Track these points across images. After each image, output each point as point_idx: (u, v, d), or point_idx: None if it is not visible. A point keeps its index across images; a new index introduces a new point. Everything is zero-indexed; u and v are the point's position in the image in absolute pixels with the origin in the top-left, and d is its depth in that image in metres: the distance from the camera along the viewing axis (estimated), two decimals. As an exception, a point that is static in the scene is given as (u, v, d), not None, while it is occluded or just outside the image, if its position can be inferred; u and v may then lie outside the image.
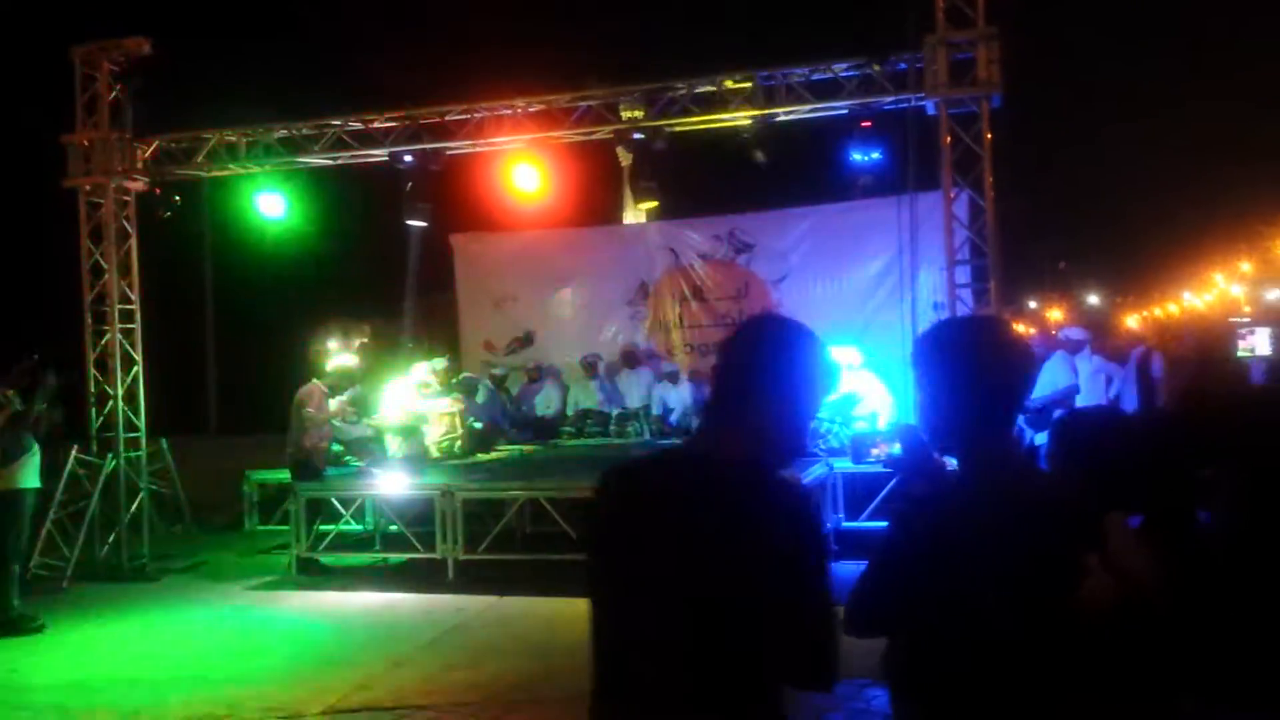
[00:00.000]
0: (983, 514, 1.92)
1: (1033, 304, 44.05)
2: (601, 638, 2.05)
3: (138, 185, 10.63)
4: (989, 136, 8.56)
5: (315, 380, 9.93)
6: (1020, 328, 16.21)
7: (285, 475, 10.01)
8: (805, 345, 2.13)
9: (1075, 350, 10.25)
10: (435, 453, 10.76)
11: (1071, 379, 9.77)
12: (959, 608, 2.03)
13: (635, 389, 12.60)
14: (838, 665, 1.95)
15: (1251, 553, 2.97)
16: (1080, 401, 9.34)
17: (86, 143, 10.43)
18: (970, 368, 2.21)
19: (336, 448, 10.36)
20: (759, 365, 2.08)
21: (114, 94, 10.43)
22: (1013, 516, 1.98)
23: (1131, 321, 34.33)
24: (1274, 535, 2.97)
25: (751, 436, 2.06)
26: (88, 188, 10.49)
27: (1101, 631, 1.85)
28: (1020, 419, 10.44)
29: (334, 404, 10.00)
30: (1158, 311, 50.50)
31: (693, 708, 1.92)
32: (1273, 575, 2.91)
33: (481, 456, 10.98)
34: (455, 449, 10.92)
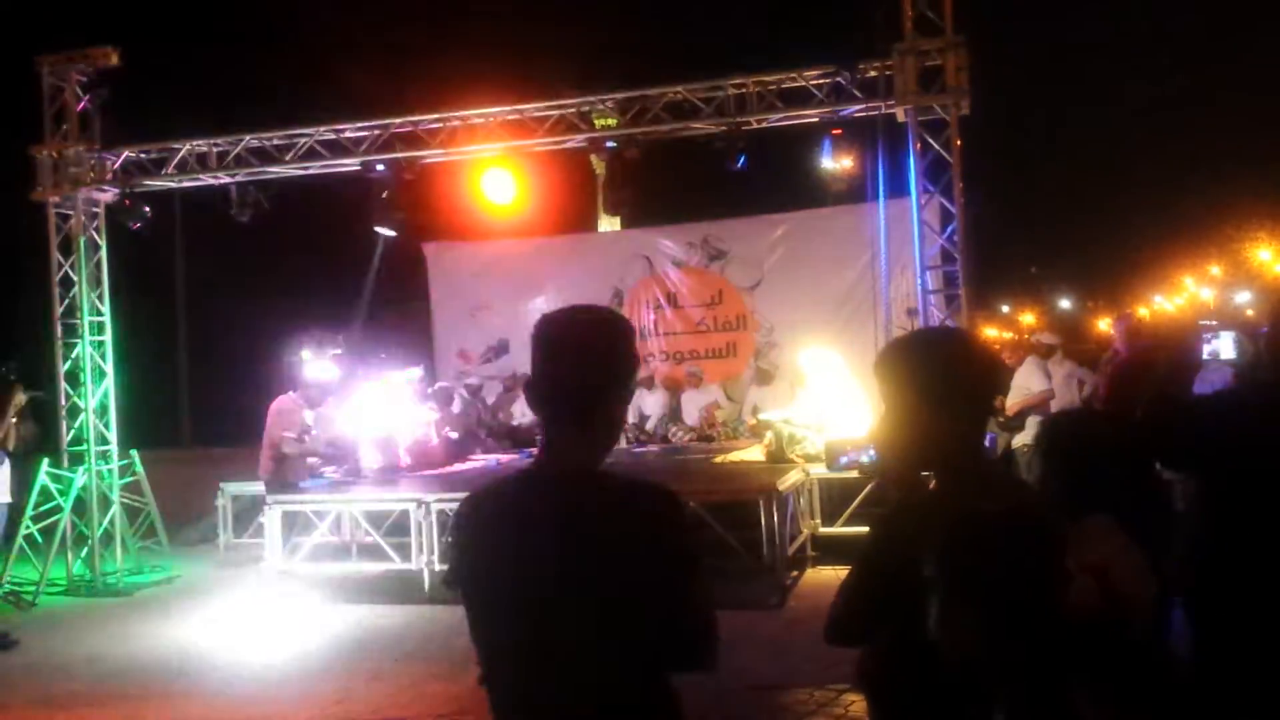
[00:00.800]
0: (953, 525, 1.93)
1: (1005, 308, 44.44)
2: (484, 654, 2.07)
3: (107, 196, 10.56)
4: (958, 143, 8.65)
5: (290, 394, 9.84)
6: (992, 332, 16.36)
7: (260, 488, 9.94)
8: (620, 333, 2.13)
9: (1047, 355, 10.35)
10: (411, 463, 10.73)
11: (1045, 384, 9.86)
12: (929, 620, 2.05)
13: (610, 397, 12.60)
14: (716, 645, 2.02)
15: (1221, 556, 3.01)
16: (1054, 406, 9.43)
17: (54, 154, 10.35)
18: (935, 380, 2.19)
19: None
20: (588, 366, 2.05)
21: (82, 105, 10.36)
22: (980, 529, 2.00)
23: (1103, 325, 34.66)
24: (1240, 537, 3.00)
25: (591, 442, 2.07)
26: (56, 199, 10.40)
27: (1090, 635, 1.87)
28: (994, 425, 10.57)
29: (309, 417, 9.93)
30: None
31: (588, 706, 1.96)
32: (1241, 575, 2.96)
33: (458, 466, 10.96)
34: (431, 458, 10.89)
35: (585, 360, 2.04)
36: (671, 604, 1.97)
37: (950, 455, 2.21)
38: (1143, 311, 49.61)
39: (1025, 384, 10.04)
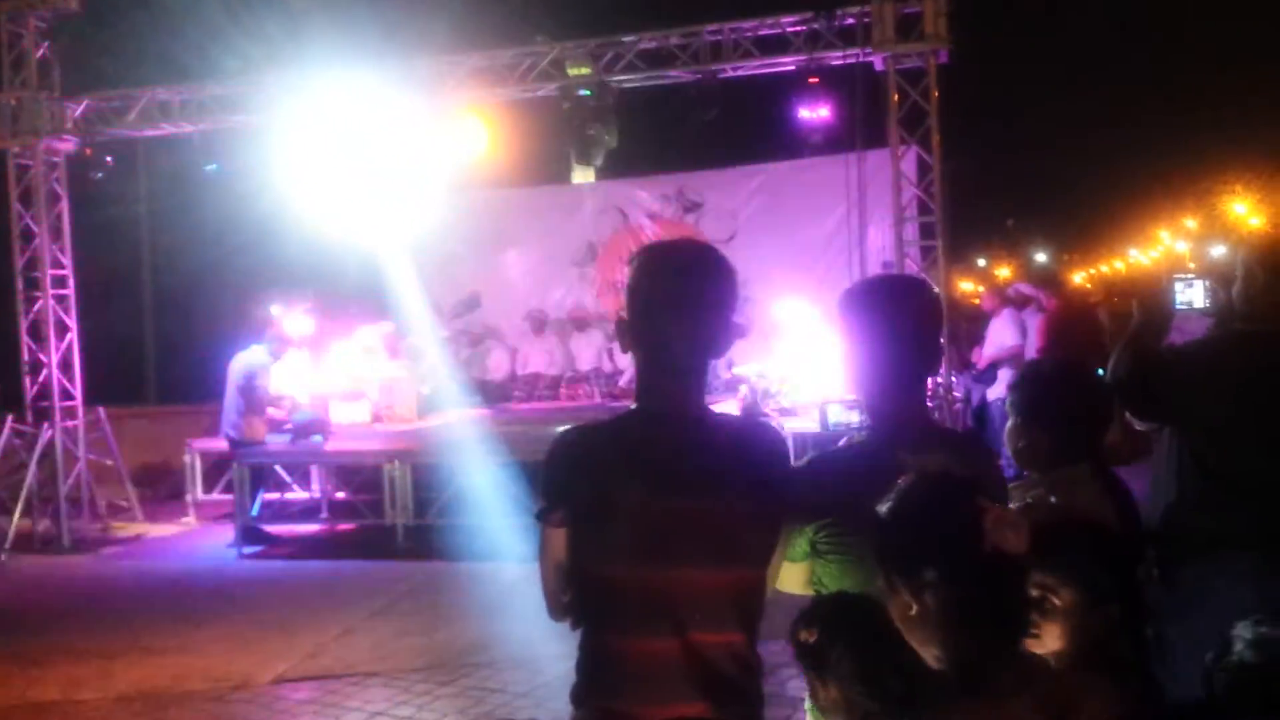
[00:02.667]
0: (880, 474, 1.90)
1: (981, 261, 44.57)
2: (594, 588, 2.01)
3: (67, 146, 10.31)
4: (936, 93, 8.55)
5: (256, 347, 9.63)
6: (968, 285, 16.38)
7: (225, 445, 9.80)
8: (726, 269, 2.06)
9: (1022, 306, 10.34)
10: (382, 417, 10.61)
11: (1018, 338, 9.85)
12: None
13: (586, 351, 12.52)
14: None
15: (1189, 509, 3.00)
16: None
17: (14, 102, 10.07)
18: (880, 327, 2.22)
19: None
20: (700, 306, 2.00)
21: (41, 52, 10.08)
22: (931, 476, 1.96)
23: (1079, 278, 34.86)
24: (1213, 488, 2.99)
25: (699, 386, 2.04)
26: (15, 149, 10.14)
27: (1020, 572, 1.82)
28: (969, 377, 10.56)
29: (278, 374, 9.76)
30: (1104, 268, 51.34)
31: (694, 638, 1.94)
32: (1210, 529, 2.94)
33: (430, 421, 10.85)
34: (404, 413, 10.77)
35: (703, 295, 2.00)
36: (775, 538, 2.05)
37: (886, 399, 2.22)
38: (1118, 265, 49.93)
39: (999, 337, 10.04)
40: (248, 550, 9.18)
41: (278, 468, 9.84)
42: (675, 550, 1.93)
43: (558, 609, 2.06)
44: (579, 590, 2.02)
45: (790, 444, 9.95)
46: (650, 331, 2.00)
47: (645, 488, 1.94)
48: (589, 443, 2.05)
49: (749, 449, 2.03)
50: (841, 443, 2.50)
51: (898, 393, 2.23)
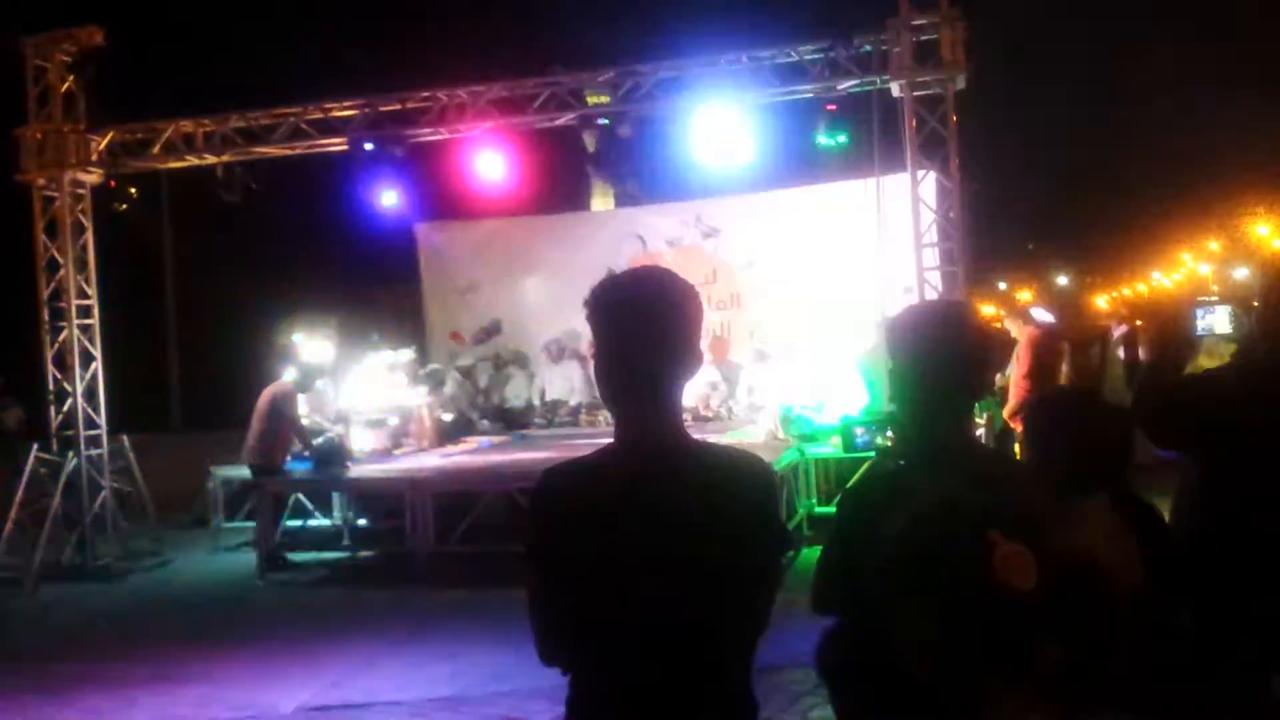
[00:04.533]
0: (930, 502, 1.89)
1: (1002, 285, 44.38)
2: (578, 634, 1.96)
3: (93, 178, 10.45)
4: (954, 119, 8.56)
5: (284, 379, 9.73)
6: (989, 309, 16.31)
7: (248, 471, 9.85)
8: (692, 293, 1.99)
9: None
10: (403, 444, 10.66)
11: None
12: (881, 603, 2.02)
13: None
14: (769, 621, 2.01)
15: (1211, 540, 2.95)
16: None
17: (39, 136, 10.21)
18: (925, 354, 2.22)
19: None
20: (667, 335, 1.93)
21: (66, 85, 10.22)
22: (960, 509, 1.95)
23: (1101, 301, 34.62)
24: (1234, 521, 2.94)
25: (674, 412, 1.98)
26: (41, 181, 10.27)
27: (1030, 610, 1.81)
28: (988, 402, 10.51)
29: (301, 403, 9.84)
30: (1126, 291, 50.97)
31: (688, 685, 1.89)
32: (1232, 561, 2.89)
33: (450, 448, 10.89)
34: (425, 440, 10.81)
35: (674, 329, 1.94)
36: (771, 576, 1.99)
37: (931, 425, 2.22)
38: (1140, 288, 49.58)
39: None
40: (270, 577, 9.20)
41: (300, 495, 9.87)
42: (660, 591, 1.86)
43: (548, 652, 1.99)
44: (563, 634, 1.96)
45: (812, 469, 9.91)
46: (617, 368, 1.95)
47: (626, 528, 1.88)
48: (569, 484, 1.98)
49: (733, 482, 1.96)
50: (877, 468, 2.46)
51: (946, 418, 2.23)
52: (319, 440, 9.67)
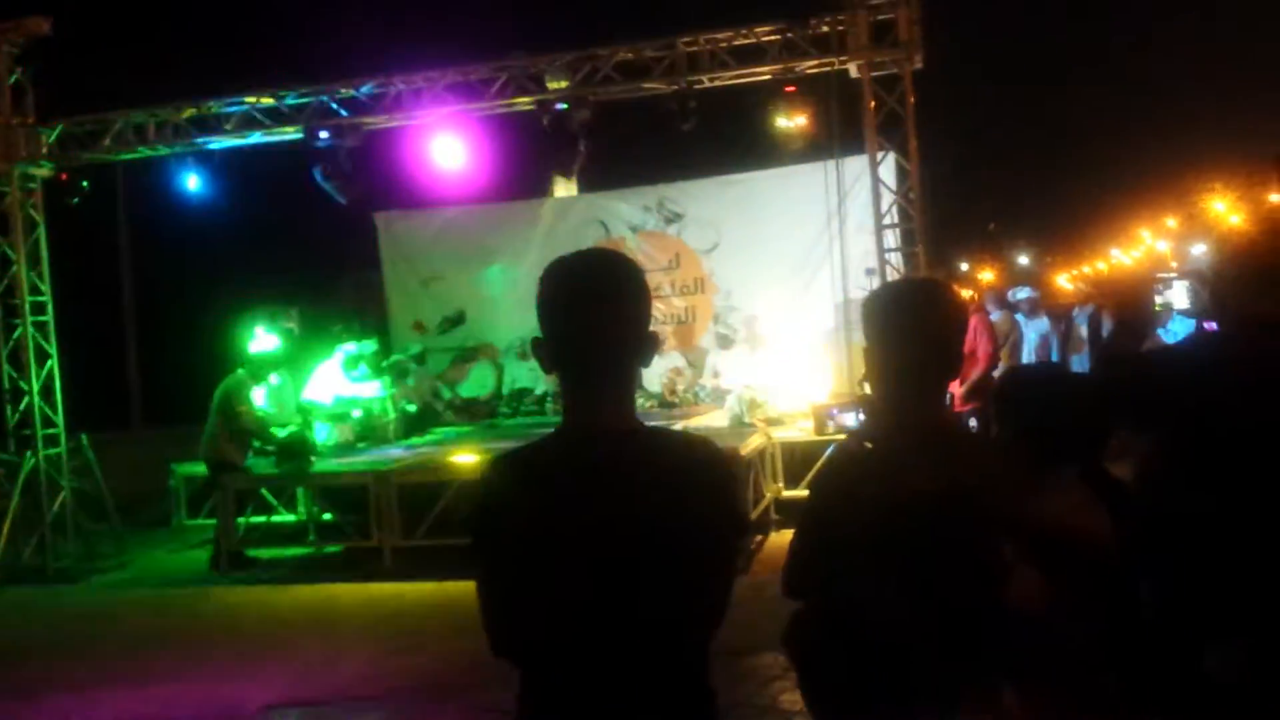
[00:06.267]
0: (901, 483, 1.88)
1: (964, 266, 44.68)
2: (523, 621, 1.91)
3: (44, 171, 10.25)
4: (912, 99, 8.57)
5: (239, 372, 9.60)
6: (966, 292, 16.45)
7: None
8: (640, 276, 1.95)
9: (1032, 310, 10.62)
10: (367, 437, 10.56)
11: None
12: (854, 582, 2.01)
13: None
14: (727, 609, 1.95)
15: (1166, 518, 2.97)
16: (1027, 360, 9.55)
17: (-13, 129, 10.01)
18: (900, 331, 2.21)
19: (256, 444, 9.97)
20: (621, 315, 1.90)
21: (14, 77, 10.01)
22: (932, 490, 1.94)
23: (1062, 280, 34.99)
24: (1194, 496, 2.96)
25: (626, 397, 1.94)
26: (-10, 176, 10.07)
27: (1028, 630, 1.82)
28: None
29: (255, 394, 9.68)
30: (1086, 269, 51.55)
31: (635, 676, 1.85)
32: (1186, 540, 2.91)
33: (415, 440, 10.80)
34: (389, 433, 10.72)
35: (619, 309, 1.89)
36: (724, 563, 1.93)
37: (907, 404, 2.20)
38: (1100, 265, 50.15)
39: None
40: (233, 575, 9.10)
41: (262, 490, 9.76)
42: (609, 582, 1.82)
43: (498, 644, 1.94)
44: (508, 626, 1.92)
45: (779, 452, 9.94)
46: (567, 350, 1.91)
47: (570, 516, 1.84)
48: (513, 472, 1.95)
49: (685, 468, 1.91)
50: (847, 449, 2.43)
51: (918, 397, 2.21)
52: (282, 434, 9.56)
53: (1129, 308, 3.09)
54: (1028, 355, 11.16)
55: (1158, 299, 3.15)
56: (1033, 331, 11.54)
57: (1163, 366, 3.08)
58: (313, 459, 9.44)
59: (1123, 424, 3.13)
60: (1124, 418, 3.11)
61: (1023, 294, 12.02)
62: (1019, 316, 11.47)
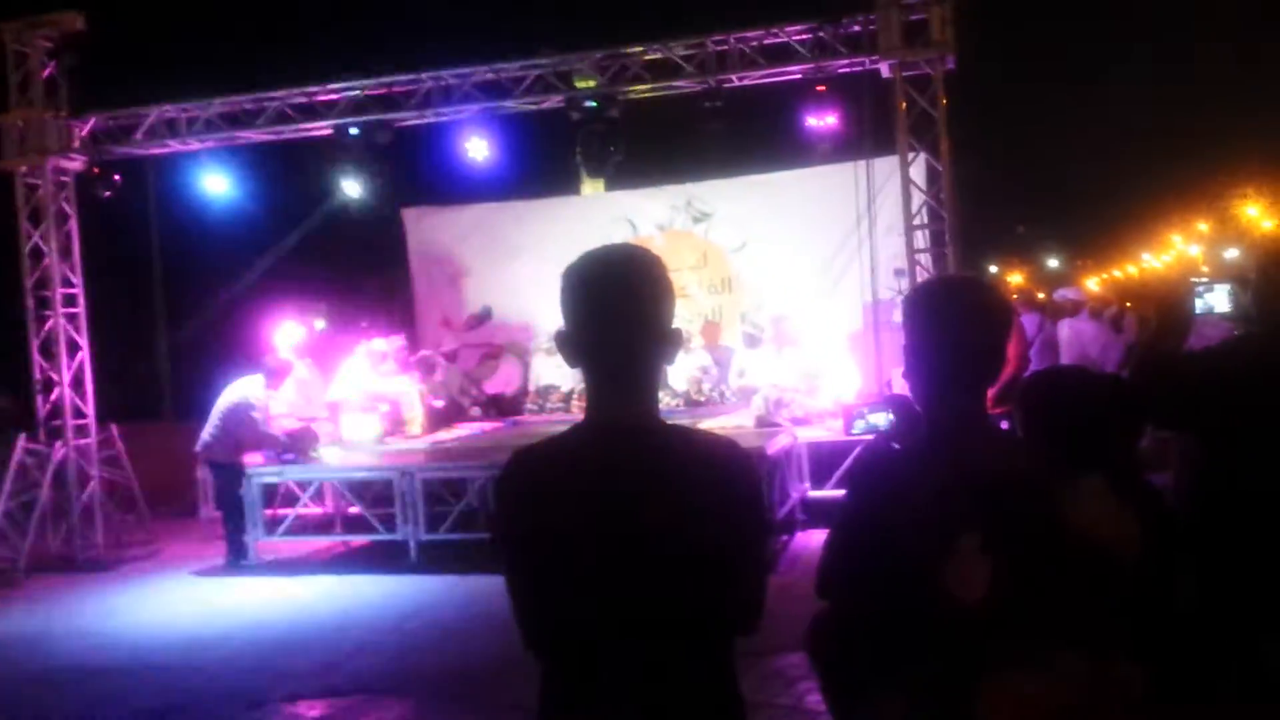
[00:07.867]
0: (936, 481, 1.85)
1: (993, 268, 44.42)
2: (545, 618, 1.91)
3: (75, 165, 10.34)
4: (944, 99, 8.51)
5: (251, 377, 9.54)
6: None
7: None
8: (663, 272, 1.93)
9: (1074, 312, 10.55)
10: (395, 432, 10.59)
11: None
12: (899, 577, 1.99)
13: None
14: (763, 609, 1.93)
15: (1211, 517, 2.94)
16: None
17: (21, 123, 10.11)
18: (942, 328, 2.17)
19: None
20: (633, 311, 1.88)
21: (47, 71, 10.11)
22: (966, 487, 1.92)
23: (1091, 284, 34.71)
24: (1232, 497, 2.93)
25: (648, 393, 1.92)
26: (23, 169, 10.17)
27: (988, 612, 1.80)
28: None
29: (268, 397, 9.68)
30: (1116, 273, 51.11)
31: (655, 676, 1.83)
32: (1234, 535, 2.89)
33: (442, 435, 10.83)
34: (414, 428, 10.75)
35: (640, 304, 1.88)
36: (749, 564, 1.90)
37: (946, 403, 2.17)
38: (1131, 269, 49.71)
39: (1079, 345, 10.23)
40: (260, 566, 9.15)
41: (290, 482, 9.80)
42: (627, 579, 1.80)
43: (525, 639, 1.94)
44: (535, 623, 1.92)
45: (805, 452, 9.88)
46: (590, 344, 1.90)
47: (591, 512, 1.82)
48: (535, 467, 1.93)
49: (707, 465, 1.88)
50: (881, 444, 2.43)
51: (957, 397, 2.17)
52: (289, 430, 9.60)
53: (1171, 309, 3.06)
54: (1067, 357, 11.05)
55: (1199, 302, 3.13)
56: (1076, 332, 11.43)
57: (1206, 365, 3.06)
58: (313, 454, 9.47)
59: (1165, 424, 3.11)
60: (1167, 417, 3.08)
61: (1069, 294, 11.97)
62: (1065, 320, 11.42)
